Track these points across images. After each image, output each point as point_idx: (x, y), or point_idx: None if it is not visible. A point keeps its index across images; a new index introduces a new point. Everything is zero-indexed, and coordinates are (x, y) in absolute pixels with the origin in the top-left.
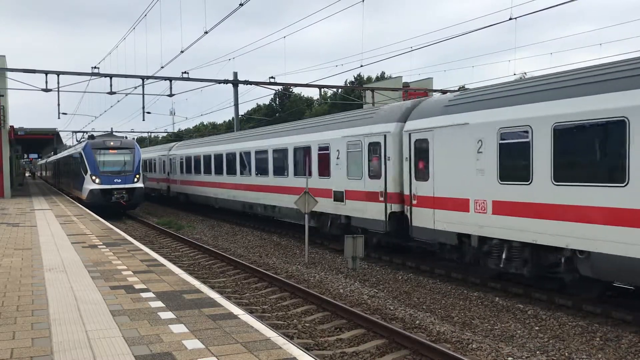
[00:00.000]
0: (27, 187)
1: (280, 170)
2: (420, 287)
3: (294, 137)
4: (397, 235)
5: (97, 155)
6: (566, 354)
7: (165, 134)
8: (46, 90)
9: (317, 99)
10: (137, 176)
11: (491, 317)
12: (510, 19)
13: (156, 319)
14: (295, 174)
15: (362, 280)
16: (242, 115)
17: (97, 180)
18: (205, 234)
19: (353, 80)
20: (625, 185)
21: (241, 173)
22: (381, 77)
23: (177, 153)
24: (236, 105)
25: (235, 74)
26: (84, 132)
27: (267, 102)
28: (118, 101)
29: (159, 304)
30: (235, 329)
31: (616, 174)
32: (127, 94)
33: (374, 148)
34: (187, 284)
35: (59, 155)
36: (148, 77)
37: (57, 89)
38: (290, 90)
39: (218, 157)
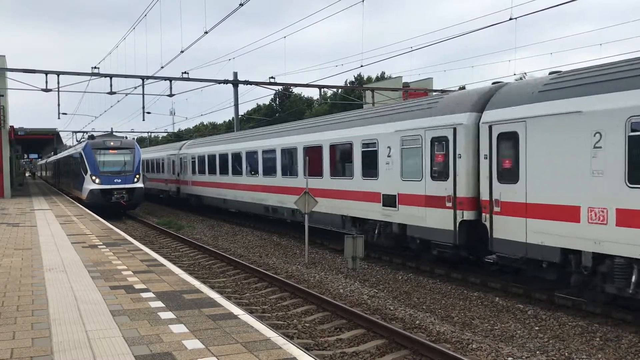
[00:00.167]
0: (27, 187)
1: (312, 171)
2: (420, 287)
3: (329, 133)
4: (469, 248)
5: (97, 155)
6: (566, 354)
7: (165, 134)
8: (46, 90)
9: (317, 99)
10: (137, 176)
11: (491, 317)
12: (510, 19)
13: (156, 319)
14: (332, 174)
15: (362, 280)
16: (242, 116)
17: (97, 180)
18: (205, 234)
19: (353, 80)
20: None
21: (264, 173)
22: (381, 77)
23: (188, 152)
24: (236, 105)
25: (235, 74)
26: (84, 132)
27: (267, 102)
28: (118, 101)
29: (159, 304)
30: (235, 329)
31: None
32: (127, 94)
33: (438, 144)
34: (187, 284)
35: (59, 156)
36: (148, 77)
37: (57, 89)
38: (290, 90)
39: (236, 156)
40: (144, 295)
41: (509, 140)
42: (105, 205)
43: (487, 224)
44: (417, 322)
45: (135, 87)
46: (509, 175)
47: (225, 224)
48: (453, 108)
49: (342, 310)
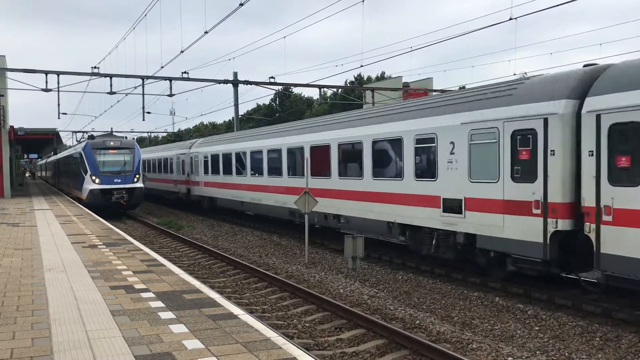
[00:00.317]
0: (27, 187)
1: (348, 171)
2: (420, 287)
3: (371, 127)
4: (562, 264)
5: (97, 155)
6: (566, 354)
7: (165, 134)
8: (46, 90)
9: (317, 99)
10: (137, 176)
11: (491, 317)
12: (510, 19)
13: (156, 319)
14: (375, 175)
15: (362, 280)
16: (242, 115)
17: (97, 180)
18: (205, 234)
19: (353, 80)
20: None
21: (290, 174)
22: (381, 77)
23: (200, 151)
24: (236, 105)
25: (235, 74)
26: (84, 132)
27: (267, 102)
28: (118, 101)
29: (159, 304)
30: (235, 329)
31: None
32: (127, 94)
33: (522, 138)
34: (187, 284)
35: (59, 156)
36: (148, 77)
37: (57, 89)
38: (290, 90)
39: (256, 155)
40: (144, 295)
41: (628, 131)
42: (105, 205)
43: (592, 235)
44: (417, 322)
45: (135, 87)
46: (627, 176)
47: (225, 224)
48: (541, 94)
49: (342, 310)
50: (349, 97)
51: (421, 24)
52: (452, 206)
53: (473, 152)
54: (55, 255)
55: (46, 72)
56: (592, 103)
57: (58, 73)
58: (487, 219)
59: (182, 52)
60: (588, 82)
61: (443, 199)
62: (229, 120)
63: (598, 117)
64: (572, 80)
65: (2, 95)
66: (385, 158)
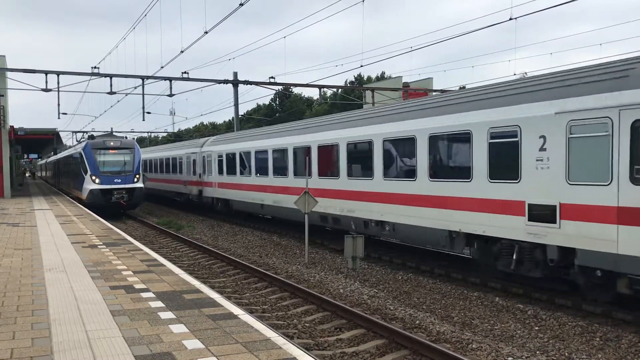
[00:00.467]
0: (27, 187)
1: (395, 171)
2: (420, 287)
3: (426, 120)
4: None
5: (97, 155)
6: (566, 354)
7: (165, 134)
8: (46, 90)
9: (317, 99)
10: (137, 176)
11: (491, 317)
12: (510, 19)
13: (156, 319)
14: (433, 175)
15: (362, 280)
16: (242, 115)
17: (97, 180)
18: (205, 234)
19: (353, 80)
20: None
21: (322, 174)
22: (381, 77)
23: (213, 149)
24: (236, 105)
25: (235, 74)
26: (84, 132)
27: (267, 102)
28: (118, 101)
29: (159, 304)
30: (235, 329)
31: None
32: (127, 94)
33: None
34: (187, 284)
35: (59, 156)
36: (148, 77)
37: (57, 89)
38: (290, 90)
39: (280, 153)
40: (144, 295)
41: None
42: (105, 205)
43: None
44: (417, 322)
45: (135, 87)
46: None
47: (225, 224)
48: None
49: (342, 310)
50: (349, 97)
51: (421, 24)
52: (542, 214)
53: (573, 148)
54: (55, 255)
55: (46, 72)
56: None
57: (58, 73)
58: (594, 230)
59: (182, 52)
60: None
61: (529, 204)
62: (229, 120)
63: None
64: None
65: (2, 95)
66: (447, 156)
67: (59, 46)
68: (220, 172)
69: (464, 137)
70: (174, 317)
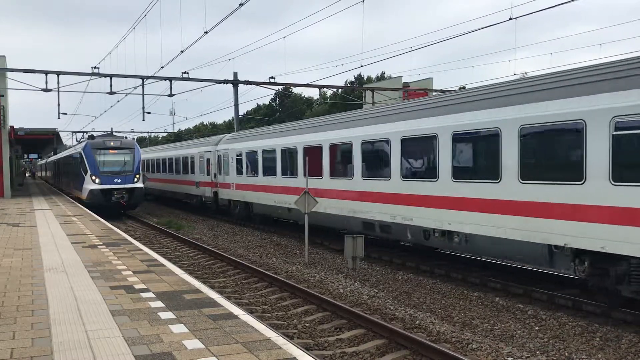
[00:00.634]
0: (27, 187)
1: (469, 172)
2: (420, 287)
3: (514, 109)
4: None
5: (97, 155)
6: (566, 354)
7: (165, 134)
8: (46, 90)
9: (317, 99)
10: (137, 176)
11: (491, 317)
12: (510, 19)
13: (156, 319)
14: (525, 176)
15: (362, 280)
16: (242, 115)
17: (97, 180)
18: (205, 234)
19: (353, 80)
20: None
21: (366, 174)
22: (381, 77)
23: (231, 147)
24: (236, 105)
25: (235, 74)
26: (84, 132)
27: (267, 102)
28: (118, 101)
29: (159, 304)
30: (235, 329)
31: None
32: (127, 94)
33: None
34: (187, 284)
35: (59, 156)
36: (148, 77)
37: (57, 89)
38: (290, 90)
39: (313, 151)
40: (144, 295)
41: None
42: (105, 205)
43: None
44: (417, 322)
45: (135, 87)
46: None
47: (225, 224)
48: None
49: (342, 310)
50: (349, 97)
51: (421, 24)
52: None
53: None
54: (55, 255)
55: (46, 72)
56: None
57: (58, 73)
58: None
59: (182, 52)
60: None
61: None
62: (229, 120)
63: None
64: None
65: (2, 95)
66: (545, 152)
67: (59, 46)
68: (239, 172)
69: (574, 129)
70: (174, 317)
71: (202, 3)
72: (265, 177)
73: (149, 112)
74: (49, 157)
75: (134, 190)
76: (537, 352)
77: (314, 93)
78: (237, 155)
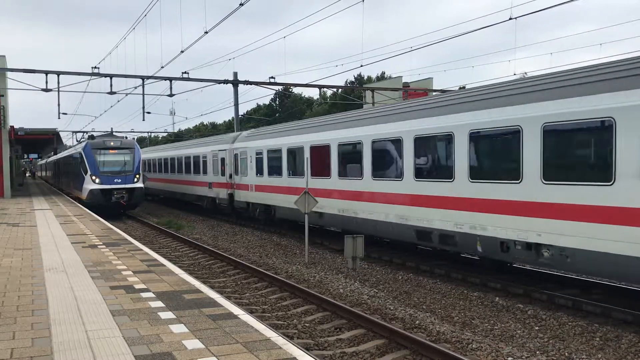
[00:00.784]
0: (27, 187)
1: (566, 172)
2: (420, 287)
3: (583, 99)
4: None
5: (97, 155)
6: (566, 354)
7: (165, 134)
8: (46, 90)
9: (317, 99)
10: (137, 176)
11: (491, 317)
12: (510, 19)
13: (156, 319)
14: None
15: (362, 280)
16: (242, 115)
17: (97, 180)
18: (205, 234)
19: (353, 80)
20: None
21: (419, 175)
22: (381, 77)
23: (249, 145)
24: (236, 105)
25: (235, 74)
26: (84, 132)
27: (267, 102)
28: (118, 101)
29: (159, 303)
30: (235, 329)
31: None
32: (127, 94)
33: None
34: (187, 284)
35: (59, 156)
36: (148, 77)
37: (57, 89)
38: (290, 90)
39: (350, 149)
40: (144, 295)
41: None
42: (105, 205)
43: None
44: (417, 322)
45: (135, 87)
46: None
47: (225, 224)
48: None
49: (342, 310)
50: (349, 97)
51: (421, 24)
52: None
53: None
54: (55, 255)
55: (46, 72)
56: None
57: (58, 73)
58: None
59: (182, 52)
60: None
61: None
62: (229, 120)
63: None
64: None
65: (2, 95)
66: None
67: (59, 46)
68: (259, 172)
69: None
70: (174, 317)
71: (202, 3)
72: (291, 177)
73: (149, 112)
74: (49, 157)
75: (134, 190)
76: (537, 352)
77: (314, 93)
78: (257, 154)
